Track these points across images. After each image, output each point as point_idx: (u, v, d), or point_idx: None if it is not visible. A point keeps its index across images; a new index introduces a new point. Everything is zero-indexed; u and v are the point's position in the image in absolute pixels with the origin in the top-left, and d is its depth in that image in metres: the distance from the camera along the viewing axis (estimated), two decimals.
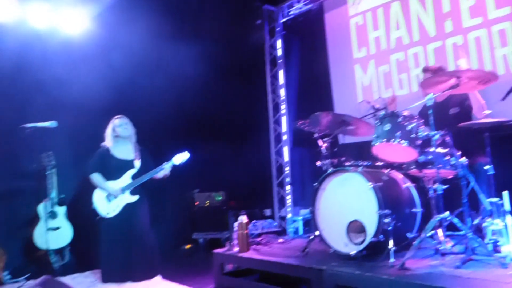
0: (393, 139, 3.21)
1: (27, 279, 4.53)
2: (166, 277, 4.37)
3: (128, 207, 4.38)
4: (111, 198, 4.37)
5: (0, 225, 4.86)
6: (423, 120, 3.32)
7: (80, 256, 5.41)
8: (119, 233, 4.31)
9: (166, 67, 6.10)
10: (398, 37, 5.38)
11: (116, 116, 4.58)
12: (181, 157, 4.44)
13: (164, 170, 4.38)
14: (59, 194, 4.97)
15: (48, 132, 4.60)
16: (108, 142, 4.52)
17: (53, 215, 4.86)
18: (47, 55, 5.23)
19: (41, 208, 4.84)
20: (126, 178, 4.41)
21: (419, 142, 3.23)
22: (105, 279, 4.27)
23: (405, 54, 5.30)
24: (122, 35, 5.63)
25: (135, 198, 4.38)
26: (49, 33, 5.26)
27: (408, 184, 3.56)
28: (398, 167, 3.73)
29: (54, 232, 4.82)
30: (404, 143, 3.18)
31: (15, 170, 5.09)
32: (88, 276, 4.68)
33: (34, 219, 4.85)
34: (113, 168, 4.43)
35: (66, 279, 4.35)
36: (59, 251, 4.91)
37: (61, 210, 4.95)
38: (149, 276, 4.28)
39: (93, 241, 5.55)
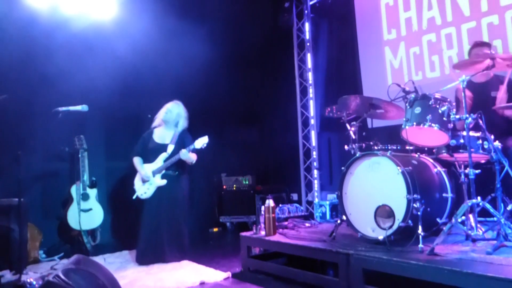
0: (423, 123, 3.13)
1: (61, 258, 4.70)
2: (193, 259, 4.45)
3: (162, 190, 4.51)
4: (145, 180, 4.56)
5: (36, 206, 5.03)
6: (454, 103, 3.23)
7: (110, 237, 5.58)
8: (152, 216, 4.47)
9: (193, 51, 6.11)
10: (430, 18, 5.20)
11: (174, 100, 4.77)
12: (201, 141, 4.49)
13: (184, 154, 4.43)
14: (91, 177, 5.10)
15: (80, 116, 4.72)
16: (156, 122, 4.74)
17: (85, 197, 4.99)
18: (76, 40, 5.32)
19: (73, 190, 4.98)
20: (159, 162, 4.57)
21: (450, 125, 3.14)
22: (138, 260, 4.43)
23: (437, 35, 5.13)
24: (148, 19, 5.67)
25: (163, 182, 4.51)
26: (78, 18, 5.34)
27: (438, 169, 3.48)
28: (429, 151, 3.65)
29: (86, 213, 4.95)
30: (435, 126, 3.10)
31: (50, 153, 5.26)
32: (118, 257, 4.81)
33: (67, 201, 5.01)
34: (151, 151, 4.63)
35: (97, 259, 4.49)
36: (91, 232, 5.05)
37: (93, 193, 5.07)
38: (177, 258, 4.40)
39: (123, 224, 5.71)
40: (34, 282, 3.24)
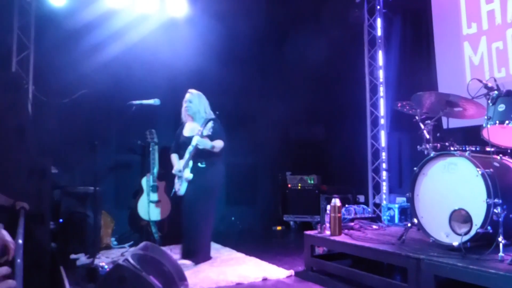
0: (508, 121, 2.88)
1: (131, 246, 4.91)
2: (256, 255, 4.45)
3: (190, 184, 4.27)
4: (179, 177, 4.37)
5: (109, 195, 5.31)
6: None
7: (177, 230, 5.72)
8: (184, 212, 4.28)
9: (266, 48, 6.17)
10: None
11: (188, 90, 4.47)
12: (207, 127, 4.18)
13: (199, 142, 4.14)
14: (160, 170, 5.26)
15: (152, 111, 4.88)
16: (183, 117, 4.52)
17: (154, 189, 5.17)
18: (151, 37, 5.55)
19: (144, 182, 5.17)
20: (186, 155, 4.31)
21: None
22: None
23: None
24: (225, 16, 5.80)
25: (190, 176, 4.24)
26: (153, 15, 5.58)
27: None
28: None
29: (155, 205, 5.13)
30: None
31: (123, 145, 5.52)
32: None
33: (138, 192, 5.21)
34: (181, 145, 4.40)
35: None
36: (159, 223, 5.21)
37: (162, 185, 5.24)
38: (189, 259, 4.15)
39: None
40: (106, 266, 3.40)
